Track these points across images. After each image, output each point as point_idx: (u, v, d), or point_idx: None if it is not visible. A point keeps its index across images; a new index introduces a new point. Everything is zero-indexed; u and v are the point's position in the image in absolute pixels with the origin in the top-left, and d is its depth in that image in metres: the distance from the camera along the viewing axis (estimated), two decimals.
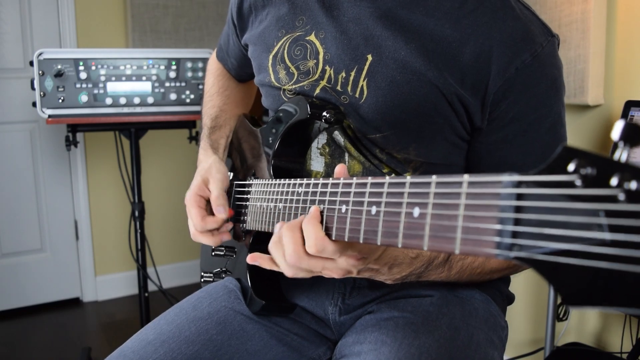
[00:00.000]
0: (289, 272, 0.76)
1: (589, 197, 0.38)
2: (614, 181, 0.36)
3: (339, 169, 0.75)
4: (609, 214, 0.37)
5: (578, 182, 0.39)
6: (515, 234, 0.44)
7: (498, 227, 0.45)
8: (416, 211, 0.56)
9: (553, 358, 1.72)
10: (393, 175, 0.94)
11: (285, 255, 0.72)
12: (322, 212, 0.72)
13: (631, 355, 1.56)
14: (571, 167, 0.39)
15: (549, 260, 0.40)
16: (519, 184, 0.44)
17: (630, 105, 1.54)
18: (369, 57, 0.90)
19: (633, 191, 0.35)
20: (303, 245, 0.71)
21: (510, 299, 1.06)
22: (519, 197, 0.44)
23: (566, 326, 1.90)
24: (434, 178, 0.54)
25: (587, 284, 0.38)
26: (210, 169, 1.06)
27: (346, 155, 0.96)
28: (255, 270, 0.99)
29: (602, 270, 0.36)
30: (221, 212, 1.00)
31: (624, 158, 0.37)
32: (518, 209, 0.44)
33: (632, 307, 0.35)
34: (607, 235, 0.37)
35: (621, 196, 0.35)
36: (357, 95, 0.91)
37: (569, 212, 0.39)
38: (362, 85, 0.90)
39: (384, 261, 0.76)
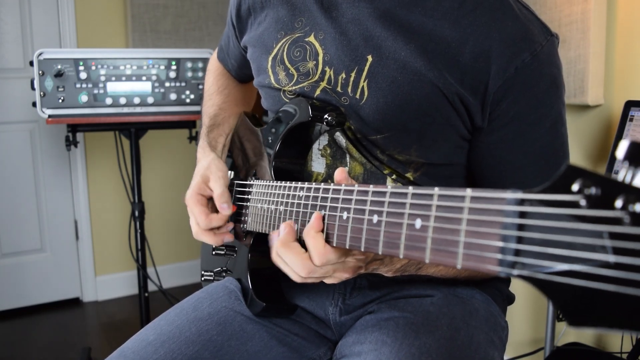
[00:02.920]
0: (300, 280, 0.77)
1: (593, 218, 0.37)
2: (618, 203, 0.36)
3: (339, 173, 0.75)
4: (614, 236, 0.36)
5: (582, 203, 0.38)
6: (517, 252, 0.43)
7: (501, 244, 0.45)
8: (418, 223, 0.56)
9: (553, 358, 1.72)
10: (395, 176, 0.94)
11: (296, 272, 0.74)
12: (323, 218, 0.72)
13: (631, 355, 1.56)
14: (575, 186, 0.39)
15: (552, 280, 0.39)
16: (522, 202, 0.43)
17: (630, 105, 1.53)
18: (369, 58, 0.90)
19: (638, 214, 0.35)
20: (307, 255, 0.72)
21: (510, 299, 1.06)
22: (522, 215, 0.43)
23: (566, 326, 1.90)
24: (436, 190, 0.54)
25: (588, 305, 0.37)
26: (209, 167, 1.06)
27: (347, 156, 0.96)
28: (256, 271, 0.99)
29: (604, 292, 0.36)
30: (225, 209, 1.00)
31: (628, 179, 0.36)
32: (521, 227, 0.43)
33: (632, 329, 0.35)
34: (611, 258, 0.36)
35: (626, 219, 0.35)
36: (357, 96, 0.90)
37: (573, 233, 0.39)
38: (363, 86, 0.90)
39: None
